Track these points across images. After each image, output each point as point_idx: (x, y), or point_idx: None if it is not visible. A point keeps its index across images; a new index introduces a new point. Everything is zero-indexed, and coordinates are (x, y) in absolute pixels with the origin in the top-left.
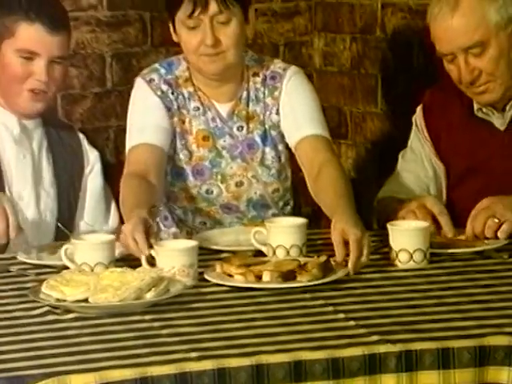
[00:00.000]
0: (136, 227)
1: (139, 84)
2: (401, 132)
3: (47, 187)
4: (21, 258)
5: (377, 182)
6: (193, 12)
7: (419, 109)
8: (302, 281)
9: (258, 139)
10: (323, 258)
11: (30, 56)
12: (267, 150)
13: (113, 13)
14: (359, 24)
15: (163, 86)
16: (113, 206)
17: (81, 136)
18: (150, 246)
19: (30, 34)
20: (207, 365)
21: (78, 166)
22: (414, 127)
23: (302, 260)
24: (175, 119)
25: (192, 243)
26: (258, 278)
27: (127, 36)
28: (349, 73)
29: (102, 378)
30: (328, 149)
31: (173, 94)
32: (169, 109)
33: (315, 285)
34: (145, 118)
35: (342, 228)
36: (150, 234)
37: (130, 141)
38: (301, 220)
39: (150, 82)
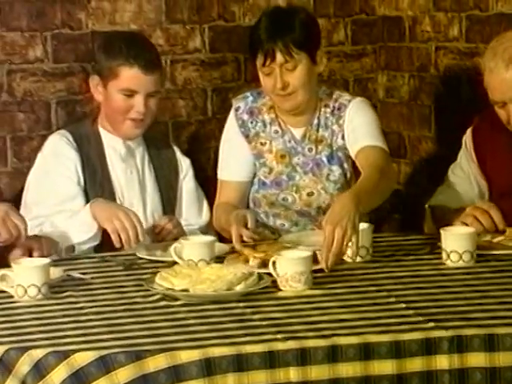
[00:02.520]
0: (237, 224)
1: (232, 111)
2: (449, 152)
3: (151, 194)
4: (139, 254)
5: (429, 193)
6: (265, 62)
7: (469, 131)
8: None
9: (324, 159)
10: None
11: (130, 93)
12: (334, 168)
13: (213, 55)
14: (416, 63)
15: (245, 115)
16: (204, 204)
17: (175, 148)
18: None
19: (130, 75)
20: (291, 345)
21: (174, 172)
22: (463, 147)
23: None
24: (252, 144)
25: (305, 254)
26: (247, 262)
27: (225, 74)
28: (407, 104)
29: (204, 354)
30: (379, 156)
31: (251, 122)
32: (247, 136)
33: None
34: (230, 154)
35: (326, 220)
36: (251, 225)
37: (221, 171)
38: (367, 225)
39: (237, 110)
